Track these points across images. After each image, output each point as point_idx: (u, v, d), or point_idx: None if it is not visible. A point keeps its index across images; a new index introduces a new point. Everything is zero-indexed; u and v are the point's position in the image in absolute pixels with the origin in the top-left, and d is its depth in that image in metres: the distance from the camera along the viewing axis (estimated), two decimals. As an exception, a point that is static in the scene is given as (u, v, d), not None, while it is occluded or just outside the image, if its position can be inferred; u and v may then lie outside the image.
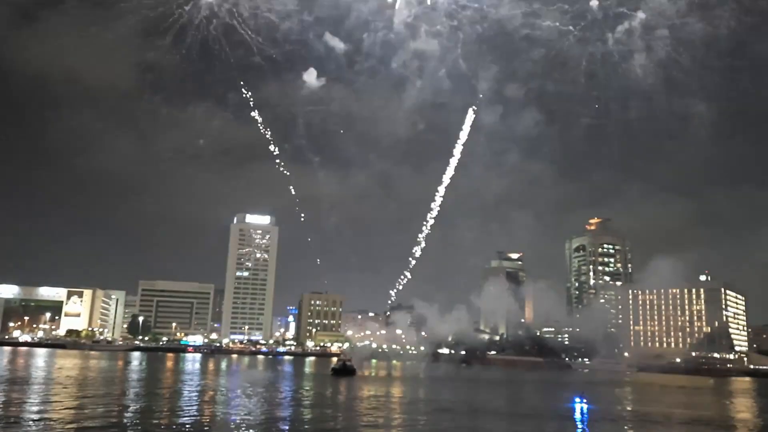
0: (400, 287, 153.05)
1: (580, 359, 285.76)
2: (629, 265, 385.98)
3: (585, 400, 79.11)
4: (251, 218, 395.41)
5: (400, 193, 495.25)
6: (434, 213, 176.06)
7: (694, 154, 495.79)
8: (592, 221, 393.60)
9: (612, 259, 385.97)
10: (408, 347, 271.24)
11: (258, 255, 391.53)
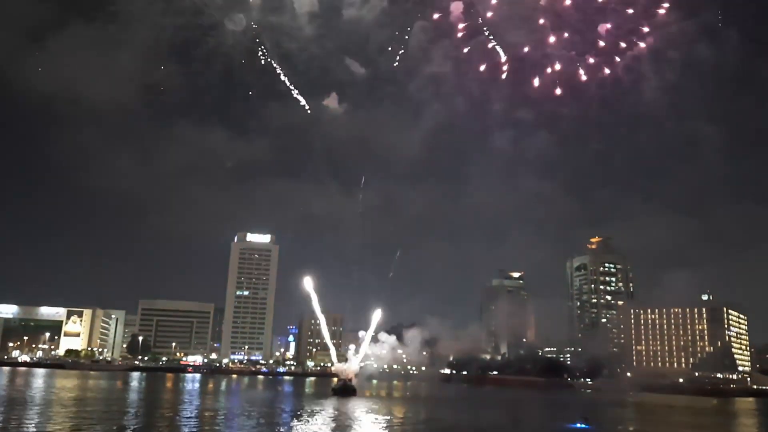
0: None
1: (582, 379, 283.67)
2: (631, 284, 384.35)
3: (587, 422, 78.46)
4: (252, 237, 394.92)
5: (406, 212, 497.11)
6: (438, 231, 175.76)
7: (697, 173, 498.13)
8: (593, 240, 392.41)
9: (613, 278, 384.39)
10: (410, 367, 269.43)
11: (258, 274, 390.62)
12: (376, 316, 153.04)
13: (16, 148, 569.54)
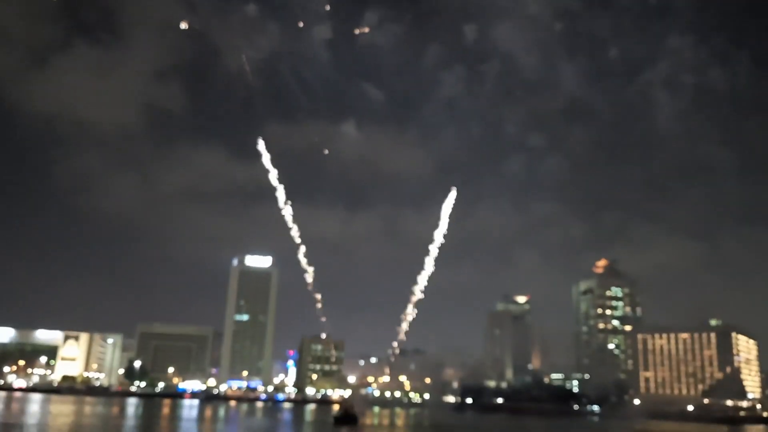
0: (402, 334, 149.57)
1: (589, 406, 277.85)
2: (638, 308, 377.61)
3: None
4: (251, 260, 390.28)
5: (410, 236, 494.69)
6: (434, 255, 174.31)
7: (706, 196, 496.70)
8: (599, 263, 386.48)
9: (620, 303, 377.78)
10: (412, 393, 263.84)
11: (258, 298, 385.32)
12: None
13: (16, 169, 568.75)
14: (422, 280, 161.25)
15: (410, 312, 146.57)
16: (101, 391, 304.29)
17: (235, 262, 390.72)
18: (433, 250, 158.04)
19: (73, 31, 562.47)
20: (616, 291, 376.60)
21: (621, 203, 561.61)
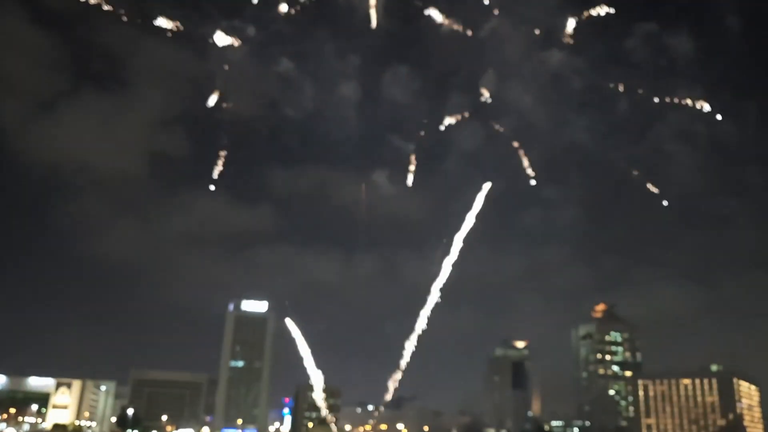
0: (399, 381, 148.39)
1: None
2: (638, 353, 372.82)
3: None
4: (247, 305, 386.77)
5: (411, 280, 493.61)
6: (434, 299, 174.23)
7: (708, 242, 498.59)
8: (597, 308, 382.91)
9: (620, 348, 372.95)
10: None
11: (253, 343, 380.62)
12: None
13: (14, 215, 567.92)
14: (420, 326, 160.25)
15: (408, 358, 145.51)
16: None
17: (231, 307, 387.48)
18: (432, 296, 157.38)
19: (81, 80, 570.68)
20: (615, 336, 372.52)
21: (624, 248, 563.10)
